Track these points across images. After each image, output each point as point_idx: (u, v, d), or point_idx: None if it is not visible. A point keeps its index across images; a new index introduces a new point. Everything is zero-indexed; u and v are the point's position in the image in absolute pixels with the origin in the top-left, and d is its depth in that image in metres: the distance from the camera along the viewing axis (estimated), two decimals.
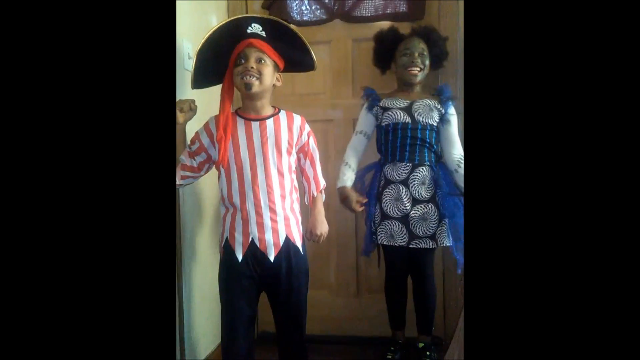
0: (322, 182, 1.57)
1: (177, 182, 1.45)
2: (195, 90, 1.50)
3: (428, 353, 1.87)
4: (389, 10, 2.05)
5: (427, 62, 1.79)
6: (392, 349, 1.92)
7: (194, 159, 1.46)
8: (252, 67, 1.39)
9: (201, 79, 1.48)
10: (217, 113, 1.45)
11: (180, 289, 1.62)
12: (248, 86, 1.39)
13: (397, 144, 1.77)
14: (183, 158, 1.45)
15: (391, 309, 1.94)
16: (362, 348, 2.08)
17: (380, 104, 1.82)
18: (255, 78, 1.39)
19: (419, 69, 1.76)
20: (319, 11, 2.10)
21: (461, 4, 1.97)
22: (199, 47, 1.39)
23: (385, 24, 1.97)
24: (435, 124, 1.76)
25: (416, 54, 1.76)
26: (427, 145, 1.77)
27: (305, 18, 2.11)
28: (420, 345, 1.89)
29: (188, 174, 1.46)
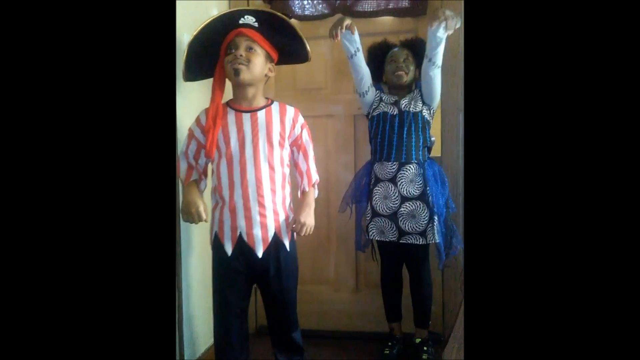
0: (315, 177, 1.55)
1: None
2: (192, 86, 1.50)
3: (425, 348, 1.88)
4: (391, 6, 2.04)
5: (412, 67, 1.85)
6: (390, 344, 1.93)
7: (198, 163, 1.45)
8: (241, 55, 1.38)
9: (193, 72, 1.46)
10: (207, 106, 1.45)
11: (179, 284, 1.63)
12: (237, 71, 1.37)
13: (385, 141, 1.80)
14: (184, 174, 1.43)
15: (387, 301, 1.97)
16: (360, 343, 2.09)
17: (381, 92, 1.88)
18: (244, 65, 1.38)
19: (404, 72, 1.82)
20: (320, 6, 2.10)
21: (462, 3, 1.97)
22: (190, 40, 1.38)
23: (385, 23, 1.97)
24: (418, 111, 1.80)
25: (401, 60, 1.83)
26: (414, 140, 1.79)
27: (307, 12, 2.10)
28: (417, 340, 1.91)
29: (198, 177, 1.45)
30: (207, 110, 1.44)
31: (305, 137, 1.52)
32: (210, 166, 1.50)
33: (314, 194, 1.55)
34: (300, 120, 1.52)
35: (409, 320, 1.97)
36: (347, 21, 1.70)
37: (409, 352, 1.93)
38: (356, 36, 1.75)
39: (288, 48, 1.52)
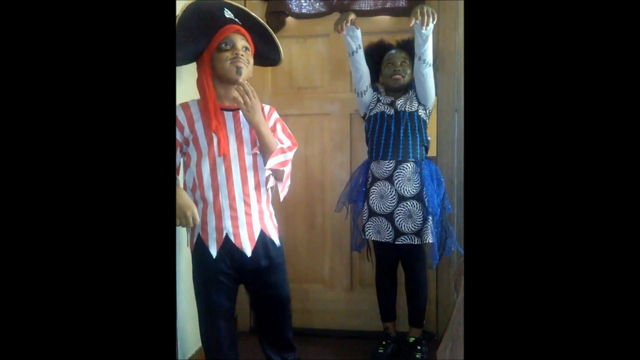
0: (284, 170, 1.44)
1: None
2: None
3: (419, 347, 1.89)
4: (388, 5, 2.04)
5: (409, 71, 1.85)
6: (384, 343, 1.94)
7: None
8: (242, 55, 1.36)
9: (178, 58, 1.39)
10: (183, 100, 1.41)
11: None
12: (239, 71, 1.35)
13: (382, 140, 1.81)
14: None
15: (381, 301, 1.97)
16: (355, 342, 2.10)
17: (378, 94, 1.89)
18: (244, 64, 1.37)
19: (401, 76, 1.83)
20: (318, 4, 2.09)
21: (461, 3, 1.97)
22: (176, 25, 1.32)
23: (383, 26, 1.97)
24: (414, 110, 1.81)
25: (398, 63, 1.84)
26: (410, 140, 1.79)
27: (303, 10, 2.10)
28: (411, 339, 1.92)
29: None
30: (183, 106, 1.40)
31: (280, 131, 1.48)
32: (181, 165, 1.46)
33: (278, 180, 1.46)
34: (275, 115, 1.50)
35: (403, 319, 1.98)
36: (352, 16, 1.70)
37: (403, 351, 1.94)
38: (359, 33, 1.75)
39: (263, 49, 1.51)
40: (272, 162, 1.37)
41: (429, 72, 1.74)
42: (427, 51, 1.69)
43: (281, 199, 1.48)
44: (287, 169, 1.44)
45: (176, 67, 1.48)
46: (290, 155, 1.44)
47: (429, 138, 1.89)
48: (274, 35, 1.52)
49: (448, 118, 2.03)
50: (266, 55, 1.53)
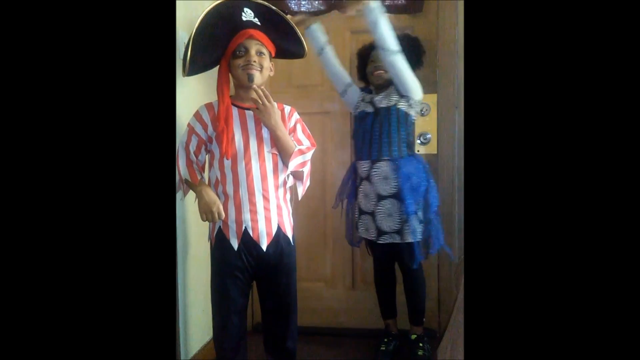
0: (304, 171, 1.50)
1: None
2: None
3: (421, 344, 1.90)
4: (387, 3, 2.04)
5: None
6: (386, 340, 1.94)
7: (198, 159, 1.44)
8: (254, 61, 1.39)
9: (195, 67, 1.44)
10: (207, 101, 1.45)
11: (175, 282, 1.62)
12: (251, 77, 1.40)
13: (359, 140, 1.81)
14: (187, 171, 1.41)
15: (381, 298, 1.97)
16: (357, 339, 2.10)
17: (366, 93, 1.87)
18: (257, 70, 1.40)
19: (382, 71, 1.78)
20: (317, 2, 2.09)
21: (461, 2, 1.97)
22: (193, 34, 1.35)
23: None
24: (392, 104, 1.75)
25: (379, 60, 1.77)
26: (386, 137, 1.74)
27: (303, 9, 2.10)
28: (413, 337, 1.92)
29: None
30: (207, 106, 1.45)
31: (299, 131, 1.52)
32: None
33: (297, 176, 1.52)
34: (296, 116, 1.54)
35: (404, 316, 1.98)
36: (300, 17, 1.71)
37: (405, 348, 1.94)
38: (319, 32, 1.72)
39: (285, 44, 1.53)
40: (292, 164, 1.43)
41: (395, 60, 1.63)
42: (385, 38, 1.59)
43: (299, 197, 1.55)
44: (306, 169, 1.50)
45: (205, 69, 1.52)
46: (308, 155, 1.49)
47: (428, 135, 1.88)
48: (297, 29, 1.53)
49: (448, 115, 2.03)
50: (290, 48, 1.56)
